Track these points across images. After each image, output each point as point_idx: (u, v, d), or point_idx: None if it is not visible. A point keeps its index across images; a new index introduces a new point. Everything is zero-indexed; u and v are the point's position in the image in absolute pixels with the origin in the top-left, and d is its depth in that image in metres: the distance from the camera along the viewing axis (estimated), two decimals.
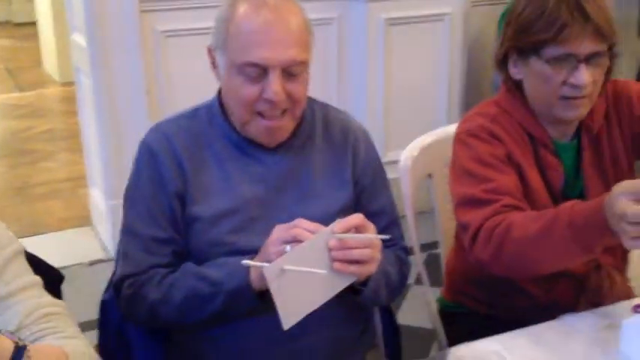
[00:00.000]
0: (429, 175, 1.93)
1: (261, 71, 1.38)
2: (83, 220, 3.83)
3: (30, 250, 1.38)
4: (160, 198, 1.45)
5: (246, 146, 1.47)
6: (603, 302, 1.58)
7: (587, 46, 1.49)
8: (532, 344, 1.37)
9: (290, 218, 1.37)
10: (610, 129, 1.66)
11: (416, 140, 1.93)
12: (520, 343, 1.37)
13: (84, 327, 2.76)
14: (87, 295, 2.98)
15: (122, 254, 1.49)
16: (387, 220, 1.56)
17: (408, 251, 1.63)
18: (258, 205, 1.45)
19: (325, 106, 1.61)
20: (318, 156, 1.52)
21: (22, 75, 7.09)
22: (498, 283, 1.63)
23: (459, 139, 1.65)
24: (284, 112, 1.42)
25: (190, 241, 1.45)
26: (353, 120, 1.62)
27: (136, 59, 3.20)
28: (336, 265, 1.25)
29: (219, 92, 1.52)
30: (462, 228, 1.58)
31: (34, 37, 7.57)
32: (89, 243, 3.60)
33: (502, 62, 1.63)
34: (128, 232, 1.48)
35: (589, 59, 1.50)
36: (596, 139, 1.65)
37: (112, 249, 3.41)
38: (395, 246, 1.58)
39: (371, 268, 1.31)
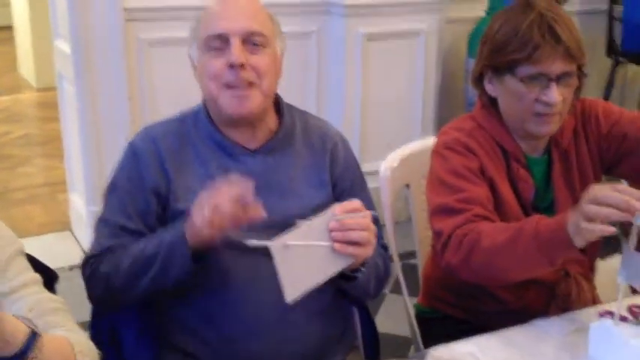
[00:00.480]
0: (407, 186, 2.02)
1: (223, 43, 1.50)
2: (62, 225, 3.86)
3: None
4: (134, 193, 1.54)
5: (229, 147, 1.56)
6: (572, 308, 1.67)
7: (558, 66, 1.59)
8: (505, 346, 1.46)
9: (272, 215, 1.44)
10: (578, 145, 1.76)
11: (395, 151, 2.01)
12: (493, 345, 1.45)
13: None
14: (70, 298, 3.01)
15: (92, 242, 1.58)
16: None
17: (387, 248, 1.72)
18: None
19: (304, 114, 1.70)
20: (297, 159, 1.61)
21: None
22: (471, 288, 1.72)
23: (436, 151, 1.74)
24: (251, 84, 1.51)
25: None
26: (331, 127, 1.71)
27: (119, 67, 3.26)
28: (336, 245, 1.34)
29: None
30: (435, 235, 1.67)
31: (10, 41, 7.54)
32: (69, 248, 3.62)
33: (478, 79, 1.73)
34: (100, 220, 1.58)
35: (560, 78, 1.60)
36: (565, 153, 1.75)
37: None
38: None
39: (368, 251, 1.39)
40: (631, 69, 4.83)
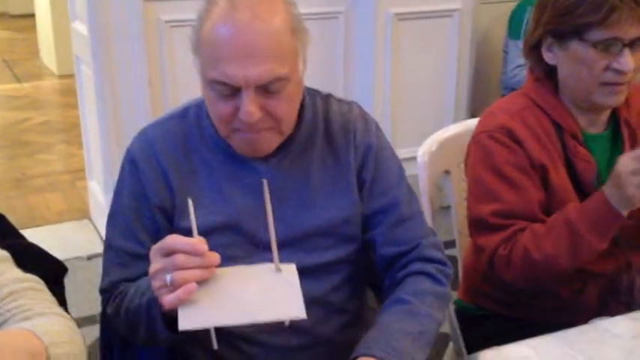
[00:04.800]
0: (446, 172, 1.86)
1: (232, 89, 1.20)
2: (81, 213, 3.76)
3: None
4: (141, 211, 1.32)
5: (237, 153, 1.32)
6: (636, 304, 1.52)
7: (634, 31, 1.45)
8: (563, 349, 1.30)
9: (289, 230, 1.29)
10: None
11: (433, 135, 1.86)
12: (552, 347, 1.30)
13: (84, 322, 2.69)
14: (86, 290, 2.94)
15: (102, 270, 1.39)
16: (395, 218, 1.38)
17: (439, 246, 1.43)
18: (252, 217, 1.31)
19: (327, 99, 1.42)
20: (318, 161, 1.36)
21: (19, 67, 7.01)
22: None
23: (477, 139, 1.59)
24: (266, 128, 1.25)
25: None
26: (356, 111, 1.42)
27: (138, 49, 3.11)
28: None
29: None
30: (477, 246, 1.59)
31: (31, 29, 7.49)
32: (87, 236, 3.52)
33: (534, 48, 1.57)
34: (107, 246, 1.38)
35: (633, 44, 1.46)
36: (635, 132, 1.59)
37: None
38: (415, 250, 1.39)
39: None
40: None
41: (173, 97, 3.21)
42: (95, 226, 3.59)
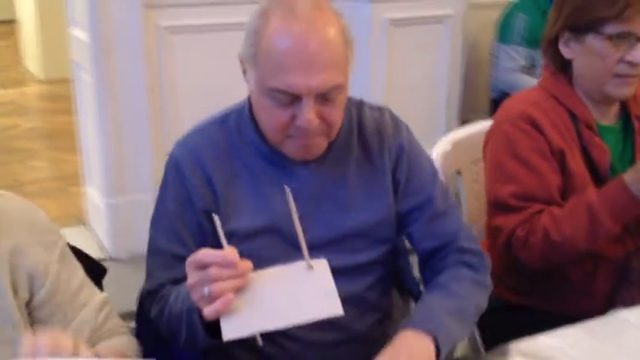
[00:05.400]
0: (458, 172, 1.92)
1: (292, 98, 1.26)
2: (76, 219, 3.76)
3: None
4: (186, 216, 1.37)
5: (278, 159, 1.37)
6: None
7: None
8: (591, 340, 1.36)
9: (326, 232, 1.34)
10: None
11: (447, 135, 1.92)
12: (580, 337, 1.36)
13: None
14: None
15: (146, 273, 1.44)
16: (430, 213, 1.44)
17: (475, 239, 1.49)
18: (292, 221, 1.30)
19: (360, 106, 1.48)
20: (353, 166, 1.42)
21: (2, 73, 6.94)
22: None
23: (498, 127, 1.68)
24: (319, 133, 1.32)
25: None
26: (387, 116, 1.48)
27: (138, 56, 3.15)
28: None
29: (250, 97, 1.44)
30: (494, 227, 1.65)
31: (12, 35, 7.43)
32: (85, 242, 3.52)
33: (552, 43, 1.68)
34: (151, 249, 1.42)
35: None
36: None
37: (110, 248, 3.35)
38: (453, 243, 1.44)
39: None
40: None
41: (173, 103, 3.25)
42: (94, 232, 3.60)
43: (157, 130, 3.23)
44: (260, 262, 1.19)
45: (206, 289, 1.11)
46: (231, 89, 1.95)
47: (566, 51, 1.66)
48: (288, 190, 1.19)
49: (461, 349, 1.84)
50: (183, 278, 1.30)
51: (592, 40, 1.60)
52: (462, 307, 1.34)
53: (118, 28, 3.10)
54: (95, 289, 1.29)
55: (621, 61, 1.58)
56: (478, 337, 1.77)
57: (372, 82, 3.62)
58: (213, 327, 1.17)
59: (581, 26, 1.61)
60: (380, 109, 1.49)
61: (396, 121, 1.49)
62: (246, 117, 1.40)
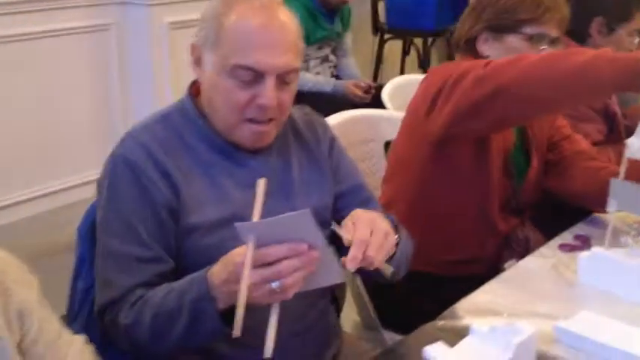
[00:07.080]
0: None
1: (255, 76, 1.32)
2: None
3: None
4: (143, 213, 1.32)
5: (229, 150, 1.40)
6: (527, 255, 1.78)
7: (555, 30, 1.82)
8: (512, 290, 1.52)
9: None
10: None
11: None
12: (504, 292, 1.50)
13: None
14: None
15: (101, 282, 1.35)
16: (361, 198, 1.55)
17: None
18: (251, 210, 1.32)
19: None
20: (295, 156, 1.49)
21: None
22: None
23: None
24: (272, 119, 1.38)
25: (187, 254, 1.35)
26: (310, 111, 1.59)
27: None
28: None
29: (190, 93, 1.45)
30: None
31: None
32: None
33: (469, 41, 1.87)
34: (105, 255, 1.34)
35: (553, 42, 1.81)
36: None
37: None
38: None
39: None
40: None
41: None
42: None
43: None
44: (225, 254, 1.20)
45: (275, 284, 1.11)
46: None
47: (483, 49, 1.86)
48: (263, 181, 1.20)
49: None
50: (147, 281, 1.30)
51: (512, 39, 1.82)
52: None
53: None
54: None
55: None
56: (373, 311, 1.85)
57: (156, 89, 3.57)
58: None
59: (503, 27, 1.83)
60: (301, 108, 1.57)
61: (321, 118, 1.60)
62: (191, 111, 1.42)
